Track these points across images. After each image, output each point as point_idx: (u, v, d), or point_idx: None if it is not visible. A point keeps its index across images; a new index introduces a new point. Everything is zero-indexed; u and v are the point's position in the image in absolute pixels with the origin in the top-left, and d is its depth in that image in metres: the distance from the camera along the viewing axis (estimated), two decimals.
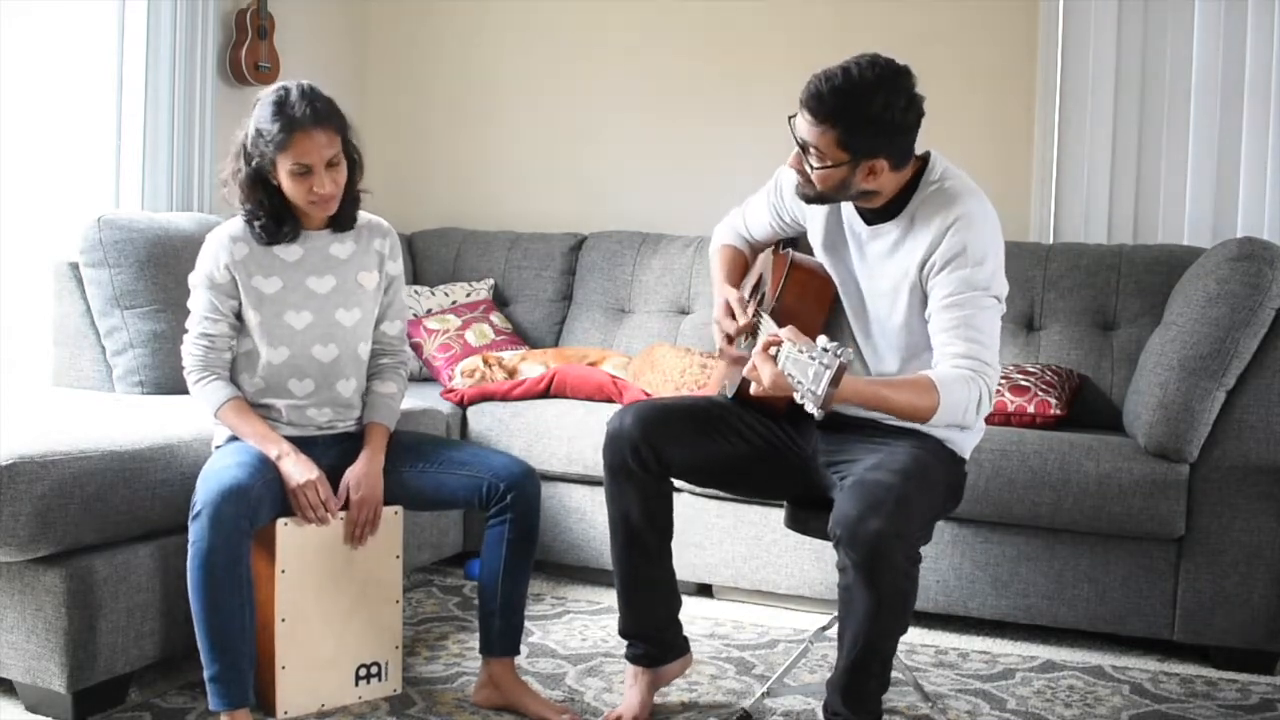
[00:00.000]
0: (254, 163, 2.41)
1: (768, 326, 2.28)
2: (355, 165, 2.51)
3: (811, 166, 2.20)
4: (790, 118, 2.20)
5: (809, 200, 2.29)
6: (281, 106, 2.36)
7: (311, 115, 2.36)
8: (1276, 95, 3.66)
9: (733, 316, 2.39)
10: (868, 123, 2.12)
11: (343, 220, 2.54)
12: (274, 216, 2.45)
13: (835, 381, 1.82)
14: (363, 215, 2.59)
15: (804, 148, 2.19)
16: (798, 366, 1.89)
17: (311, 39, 4.49)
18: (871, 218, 2.31)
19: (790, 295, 2.37)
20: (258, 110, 2.40)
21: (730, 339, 2.41)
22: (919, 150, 2.28)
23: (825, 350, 1.84)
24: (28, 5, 3.40)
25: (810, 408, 1.86)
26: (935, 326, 2.19)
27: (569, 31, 4.55)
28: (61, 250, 3.35)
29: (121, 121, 3.63)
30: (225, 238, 2.47)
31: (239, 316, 2.48)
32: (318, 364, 2.50)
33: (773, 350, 1.97)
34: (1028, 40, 3.92)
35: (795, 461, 2.42)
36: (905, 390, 2.10)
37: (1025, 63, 3.93)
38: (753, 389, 2.06)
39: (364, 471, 2.48)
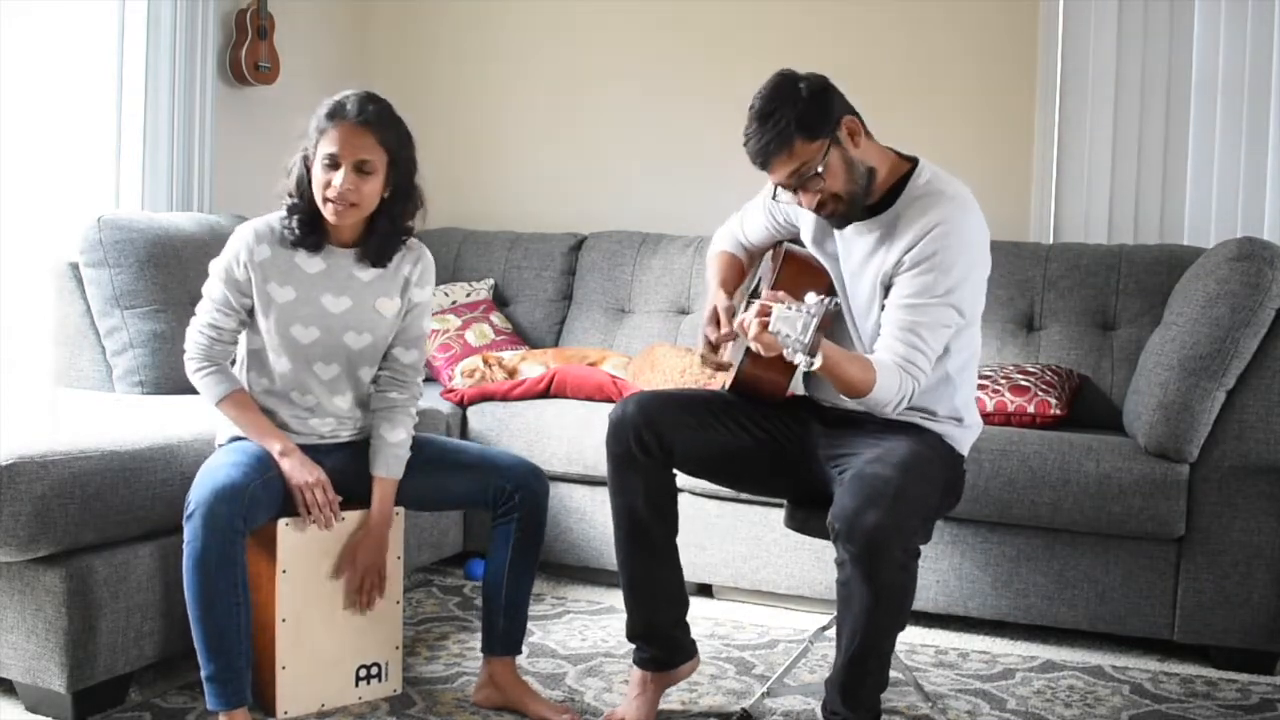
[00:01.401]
0: (304, 155, 2.39)
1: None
2: (405, 198, 2.43)
3: (821, 185, 2.22)
4: (778, 196, 2.28)
5: (850, 219, 2.29)
6: (338, 101, 2.36)
7: (357, 112, 2.33)
8: (1276, 95, 3.66)
9: (717, 324, 2.42)
10: (801, 110, 2.18)
11: (373, 253, 2.45)
12: (307, 220, 2.41)
13: (821, 327, 1.90)
14: None
15: (799, 183, 2.22)
16: (787, 323, 1.95)
17: (311, 39, 4.49)
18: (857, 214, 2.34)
19: (784, 285, 2.39)
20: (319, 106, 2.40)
21: (714, 347, 2.43)
22: (907, 154, 2.33)
23: (812, 303, 1.93)
24: (28, 5, 3.40)
25: (799, 359, 1.93)
26: (885, 319, 2.24)
27: (569, 31, 4.55)
28: (61, 250, 3.35)
29: (121, 121, 3.63)
30: (251, 234, 2.42)
31: (251, 314, 2.44)
32: (317, 379, 2.48)
33: (765, 319, 2.02)
34: (1028, 40, 3.92)
35: (795, 456, 2.43)
36: (855, 364, 2.15)
37: (1025, 63, 3.93)
38: (750, 345, 2.09)
39: (368, 535, 2.48)
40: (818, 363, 1.94)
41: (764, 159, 2.21)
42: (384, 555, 2.51)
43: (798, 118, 2.17)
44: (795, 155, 2.19)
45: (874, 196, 2.29)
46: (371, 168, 2.34)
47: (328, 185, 2.34)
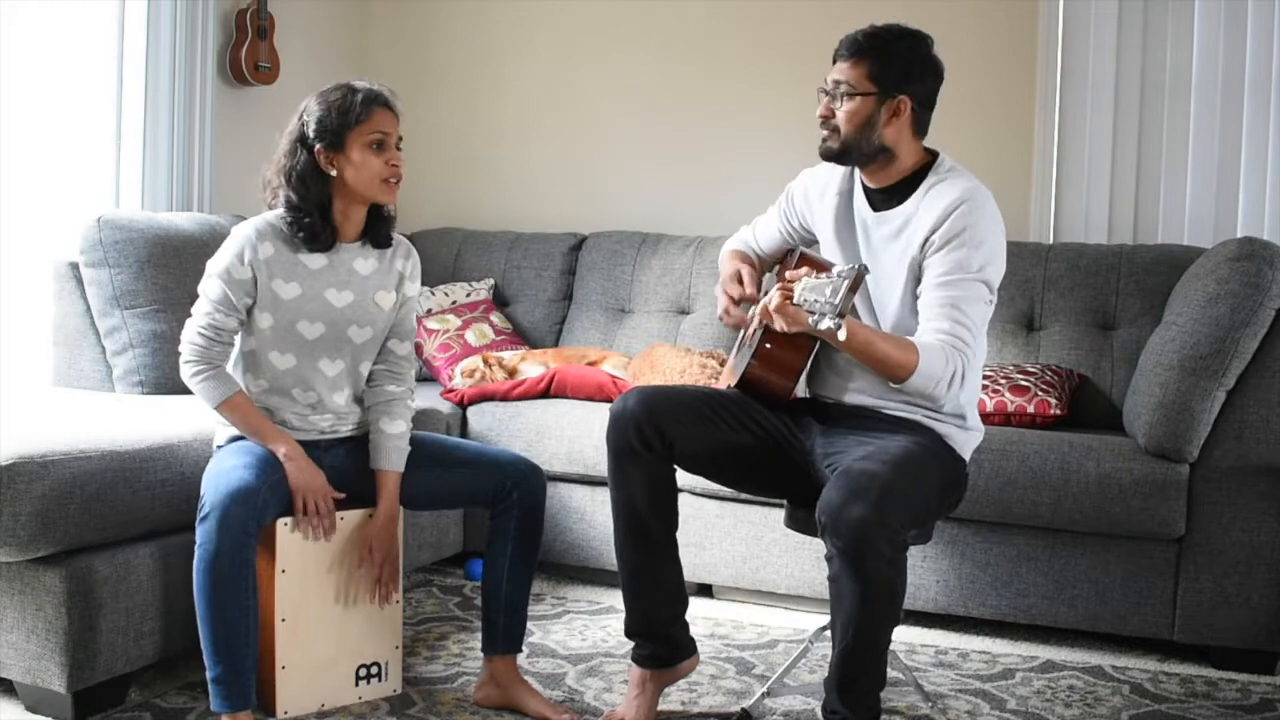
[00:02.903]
0: (316, 148, 2.39)
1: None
2: None
3: (839, 107, 2.31)
4: (820, 89, 2.37)
5: (831, 154, 2.36)
6: (356, 90, 2.41)
7: (389, 95, 2.43)
8: (1276, 95, 3.66)
9: (740, 284, 2.46)
10: (895, 57, 2.31)
11: (379, 237, 2.52)
12: (318, 219, 2.42)
13: (853, 289, 1.93)
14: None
15: (834, 91, 2.32)
16: (815, 290, 1.97)
17: (311, 39, 4.49)
18: (879, 203, 2.37)
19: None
20: (322, 100, 2.40)
21: (736, 301, 2.46)
22: (930, 149, 2.38)
23: (841, 269, 1.96)
24: (28, 5, 3.40)
25: (828, 323, 1.92)
26: (923, 302, 2.27)
27: (569, 32, 4.55)
28: (61, 250, 3.35)
29: (121, 121, 3.63)
30: (252, 233, 2.42)
31: (250, 313, 2.45)
32: (322, 376, 2.49)
33: (788, 290, 2.05)
34: (1028, 40, 3.92)
35: (795, 456, 2.43)
36: (891, 343, 2.18)
37: (1025, 63, 3.93)
38: (772, 321, 2.11)
39: (379, 528, 2.49)
40: (844, 332, 1.95)
41: (838, 53, 2.35)
42: (397, 546, 2.52)
43: (882, 57, 2.31)
44: (850, 72, 2.32)
45: (889, 179, 2.36)
46: (400, 145, 2.45)
47: (385, 165, 2.40)
